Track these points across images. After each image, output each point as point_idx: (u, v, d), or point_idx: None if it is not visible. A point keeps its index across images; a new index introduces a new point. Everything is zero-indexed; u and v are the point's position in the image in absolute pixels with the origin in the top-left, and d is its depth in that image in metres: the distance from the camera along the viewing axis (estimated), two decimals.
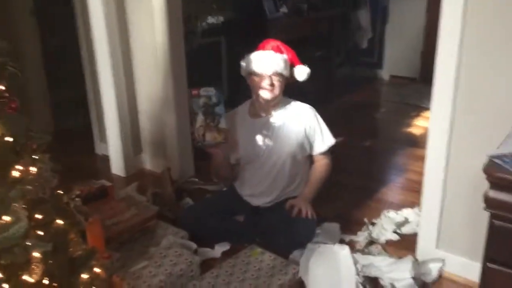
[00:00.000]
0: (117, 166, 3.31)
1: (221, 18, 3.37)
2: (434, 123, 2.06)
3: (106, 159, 3.44)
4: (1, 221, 1.19)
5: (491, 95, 1.89)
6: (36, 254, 1.25)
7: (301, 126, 2.41)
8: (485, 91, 1.90)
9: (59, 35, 4.16)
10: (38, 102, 3.82)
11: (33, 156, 1.42)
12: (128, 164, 3.28)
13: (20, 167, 1.37)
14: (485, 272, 1.45)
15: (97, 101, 3.42)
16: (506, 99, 1.86)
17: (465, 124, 1.98)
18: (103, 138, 3.51)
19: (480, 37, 1.86)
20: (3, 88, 1.43)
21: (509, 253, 1.38)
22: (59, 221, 1.55)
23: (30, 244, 1.22)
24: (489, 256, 1.42)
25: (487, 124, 1.92)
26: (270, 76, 2.31)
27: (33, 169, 1.40)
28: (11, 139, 1.36)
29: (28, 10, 3.65)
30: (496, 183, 1.34)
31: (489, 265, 1.43)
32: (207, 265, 2.23)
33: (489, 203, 1.37)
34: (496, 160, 1.36)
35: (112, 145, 3.27)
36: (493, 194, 1.36)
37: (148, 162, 3.36)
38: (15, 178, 1.31)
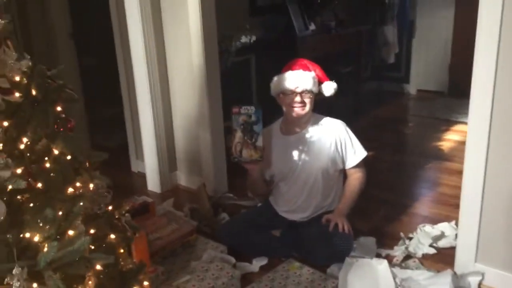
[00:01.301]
0: (153, 183, 3.39)
1: (253, 38, 3.46)
2: (471, 136, 2.07)
3: (142, 176, 3.54)
4: (66, 236, 1.27)
5: None
6: (98, 267, 1.32)
7: (333, 141, 2.46)
8: None
9: (96, 55, 4.31)
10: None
11: (90, 173, 1.50)
12: (164, 180, 3.37)
13: (79, 184, 1.45)
14: None
15: (134, 119, 3.53)
16: None
17: (503, 137, 1.99)
18: (139, 155, 3.61)
19: None
20: (60, 109, 1.52)
21: None
22: (112, 236, 1.63)
23: (93, 256, 1.28)
24: None
25: None
26: (300, 94, 2.38)
27: (90, 186, 1.48)
28: (69, 157, 1.45)
29: (67, 33, 3.81)
30: None
31: None
32: (245, 279, 2.27)
33: None
34: None
35: (149, 162, 3.36)
36: None
37: (182, 179, 3.44)
38: (76, 194, 1.39)
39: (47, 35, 3.83)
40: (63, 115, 1.52)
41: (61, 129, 1.48)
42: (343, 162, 2.50)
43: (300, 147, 2.47)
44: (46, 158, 1.36)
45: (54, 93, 1.42)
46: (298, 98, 2.37)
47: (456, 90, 5.30)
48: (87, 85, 4.05)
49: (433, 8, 5.35)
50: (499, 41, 1.89)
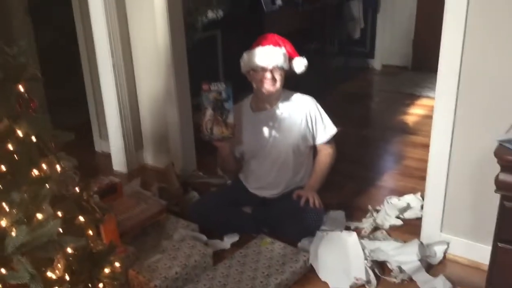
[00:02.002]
0: (118, 163, 3.33)
1: (220, 13, 3.39)
2: (438, 109, 2.11)
3: (106, 155, 3.46)
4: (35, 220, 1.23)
5: (495, 80, 1.95)
6: (68, 250, 1.29)
7: (303, 117, 2.46)
8: (488, 76, 1.96)
9: (54, 31, 4.13)
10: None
11: (56, 154, 1.45)
12: (130, 160, 3.30)
13: (45, 166, 1.40)
14: (496, 252, 1.52)
15: (96, 97, 3.43)
16: (509, 85, 1.92)
17: (468, 110, 2.04)
18: (103, 134, 3.53)
19: (485, 24, 1.91)
20: (22, 89, 1.45)
21: None
22: (81, 218, 1.59)
23: (64, 239, 1.25)
24: (499, 236, 1.49)
25: (490, 109, 1.98)
26: (271, 71, 2.35)
27: (57, 167, 1.43)
28: (34, 138, 1.39)
29: (23, 10, 3.63)
30: (506, 166, 1.40)
31: (500, 244, 1.49)
32: (218, 256, 2.28)
33: (500, 185, 1.43)
34: (506, 144, 1.42)
35: (114, 142, 3.29)
36: (504, 176, 1.42)
37: (149, 158, 3.38)
38: (42, 177, 1.34)
39: (2, 10, 3.64)
40: (26, 95, 1.46)
41: (24, 110, 1.42)
42: (314, 138, 2.51)
43: (271, 124, 2.46)
44: (9, 140, 1.31)
45: (15, 72, 1.35)
46: (268, 75, 2.35)
47: (419, 64, 5.39)
48: (44, 62, 3.89)
49: None
50: (466, 17, 1.92)
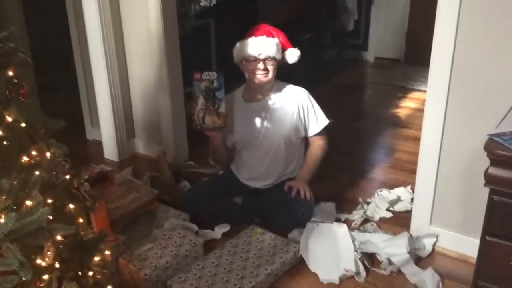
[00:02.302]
0: (110, 151, 3.31)
1: (213, 1, 3.37)
2: (429, 103, 2.12)
3: (98, 144, 3.44)
4: (24, 207, 1.21)
5: (486, 75, 1.95)
6: (58, 237, 1.28)
7: (296, 108, 2.46)
8: (480, 71, 1.97)
9: (45, 16, 4.07)
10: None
11: (46, 141, 1.44)
12: (122, 148, 3.29)
13: (35, 153, 1.39)
14: (484, 245, 1.53)
15: (88, 85, 3.40)
16: (500, 80, 1.93)
17: (459, 104, 2.05)
18: (95, 122, 3.51)
19: (477, 18, 1.91)
20: (12, 74, 1.43)
21: (507, 227, 1.47)
22: (71, 206, 1.58)
23: (53, 227, 1.24)
24: (488, 230, 1.50)
25: (481, 104, 1.99)
26: (263, 61, 2.34)
27: (47, 154, 1.42)
28: (24, 125, 1.38)
29: None
30: (496, 160, 1.41)
31: (488, 238, 1.51)
32: (208, 246, 2.28)
33: (489, 179, 1.45)
34: (496, 139, 1.43)
35: (105, 130, 3.27)
36: (493, 170, 1.43)
37: (141, 147, 3.37)
38: (32, 163, 1.33)
39: None
40: (16, 80, 1.44)
41: (14, 95, 1.40)
42: (306, 130, 2.51)
43: (263, 115, 2.45)
44: None
45: (5, 57, 1.33)
46: (261, 65, 2.34)
47: (412, 57, 5.41)
48: (35, 48, 3.84)
49: None
50: (459, 12, 1.92)
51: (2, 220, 1.15)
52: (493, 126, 1.57)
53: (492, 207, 1.47)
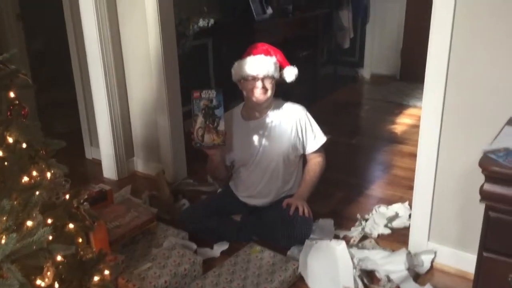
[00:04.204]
0: (109, 170, 3.32)
1: (211, 21, 3.42)
2: (425, 119, 2.14)
3: (97, 162, 3.45)
4: (25, 227, 1.22)
5: (480, 91, 1.98)
6: (58, 257, 1.29)
7: (294, 126, 2.48)
8: (474, 87, 2.00)
9: (45, 36, 4.12)
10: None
11: (46, 162, 1.46)
12: (121, 167, 3.30)
13: (36, 173, 1.40)
14: (481, 261, 1.54)
15: (87, 104, 3.42)
16: (494, 95, 1.96)
17: (454, 120, 2.07)
18: (94, 142, 3.52)
19: (470, 34, 1.95)
20: (13, 95, 1.46)
21: (503, 242, 1.48)
22: (71, 225, 1.59)
23: (53, 247, 1.25)
24: (484, 246, 1.51)
25: (476, 120, 2.02)
26: (262, 80, 2.38)
27: (48, 174, 1.43)
28: (25, 145, 1.39)
29: (15, 15, 3.63)
30: (491, 176, 1.43)
31: (485, 254, 1.52)
32: (207, 264, 2.28)
33: (485, 195, 1.46)
34: (491, 155, 1.45)
35: (104, 149, 3.28)
36: (488, 187, 1.45)
37: (140, 165, 3.38)
38: (32, 184, 1.35)
39: None
40: (17, 102, 1.46)
41: (15, 116, 1.42)
42: (304, 147, 2.53)
43: (261, 132, 2.48)
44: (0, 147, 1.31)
45: (6, 78, 1.35)
46: (259, 84, 2.37)
47: (407, 74, 5.47)
48: (35, 68, 3.88)
49: None
50: (452, 30, 1.96)
51: (3, 241, 1.16)
52: (488, 142, 1.59)
53: (488, 223, 1.48)
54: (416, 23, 5.08)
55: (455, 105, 2.05)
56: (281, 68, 2.45)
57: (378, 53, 5.71)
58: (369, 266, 2.22)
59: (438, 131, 2.11)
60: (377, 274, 2.20)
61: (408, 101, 4.85)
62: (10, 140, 1.34)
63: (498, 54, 1.91)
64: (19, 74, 1.44)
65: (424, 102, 2.14)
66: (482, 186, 1.47)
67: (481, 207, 1.52)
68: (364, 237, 2.53)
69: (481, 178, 1.49)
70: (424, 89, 2.12)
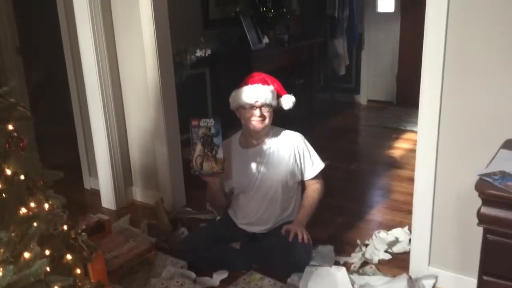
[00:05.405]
0: (107, 200, 3.31)
1: (208, 51, 3.48)
2: (421, 144, 2.16)
3: (95, 192, 3.45)
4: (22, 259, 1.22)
5: (474, 116, 2.01)
6: None
7: (292, 153, 2.49)
8: (468, 112, 2.02)
9: (44, 69, 4.18)
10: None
11: (44, 193, 1.46)
12: (119, 197, 3.29)
13: (33, 204, 1.41)
14: (481, 285, 1.53)
15: (86, 135, 3.44)
16: (488, 119, 1.98)
17: (450, 145, 2.09)
18: (92, 172, 3.52)
19: (462, 59, 1.98)
20: (12, 128, 1.47)
21: (503, 266, 1.47)
22: (69, 256, 1.58)
23: (51, 279, 1.24)
24: (484, 269, 1.51)
25: (471, 143, 2.04)
26: (259, 108, 2.40)
27: (45, 206, 1.44)
28: (23, 177, 1.40)
29: (14, 48, 3.68)
30: (488, 199, 1.44)
31: (485, 277, 1.51)
32: None
33: (482, 218, 1.46)
34: (486, 178, 1.46)
35: (103, 179, 3.28)
36: (485, 210, 1.46)
37: (139, 194, 3.38)
38: (30, 215, 1.35)
39: None
40: (15, 134, 1.47)
41: (13, 148, 1.43)
42: (302, 174, 2.54)
43: (259, 160, 2.49)
44: None
45: (5, 111, 1.37)
46: (257, 112, 2.40)
47: (403, 99, 5.52)
48: (34, 100, 3.92)
49: (380, 21, 5.58)
50: (444, 55, 1.99)
51: (0, 274, 1.16)
52: (484, 165, 1.60)
53: (486, 246, 1.48)
54: (411, 49, 5.16)
55: (450, 129, 2.07)
56: (278, 96, 2.49)
57: (374, 79, 5.78)
58: None
59: (435, 155, 2.12)
60: None
61: (405, 126, 4.88)
62: (8, 172, 1.35)
63: (491, 79, 1.94)
64: (18, 106, 1.46)
65: (419, 127, 2.16)
66: (479, 209, 1.47)
67: (480, 230, 1.52)
68: (365, 263, 2.51)
69: (478, 201, 1.50)
70: (419, 114, 2.14)
